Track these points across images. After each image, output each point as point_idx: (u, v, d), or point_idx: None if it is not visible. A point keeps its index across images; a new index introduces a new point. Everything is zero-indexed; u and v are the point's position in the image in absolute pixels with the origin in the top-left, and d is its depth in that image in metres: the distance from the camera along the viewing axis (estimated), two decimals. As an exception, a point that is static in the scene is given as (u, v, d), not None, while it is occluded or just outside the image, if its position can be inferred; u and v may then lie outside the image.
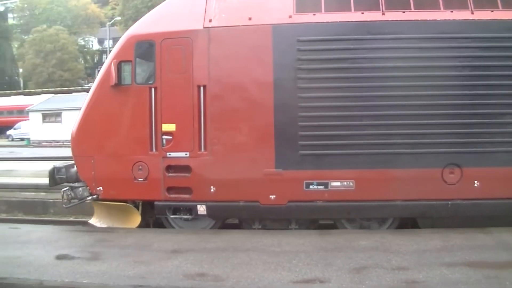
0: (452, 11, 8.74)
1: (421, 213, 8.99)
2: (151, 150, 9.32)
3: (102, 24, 76.17)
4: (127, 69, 9.42)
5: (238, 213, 9.44)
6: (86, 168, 9.64)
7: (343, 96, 8.86)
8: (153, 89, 9.27)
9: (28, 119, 48.99)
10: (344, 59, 8.85)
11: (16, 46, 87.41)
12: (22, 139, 49.25)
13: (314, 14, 8.98)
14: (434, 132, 8.72)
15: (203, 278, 6.65)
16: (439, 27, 8.70)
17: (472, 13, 8.72)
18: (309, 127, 8.88)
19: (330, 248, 7.89)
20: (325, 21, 8.92)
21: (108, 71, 9.45)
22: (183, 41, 9.19)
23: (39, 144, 43.52)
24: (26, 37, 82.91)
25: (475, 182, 8.67)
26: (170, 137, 9.24)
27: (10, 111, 60.38)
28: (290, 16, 9.00)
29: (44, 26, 77.71)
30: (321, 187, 8.91)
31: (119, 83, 9.39)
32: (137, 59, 9.42)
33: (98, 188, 9.60)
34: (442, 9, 8.77)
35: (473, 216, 8.89)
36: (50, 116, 45.26)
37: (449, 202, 8.73)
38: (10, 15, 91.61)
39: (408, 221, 9.38)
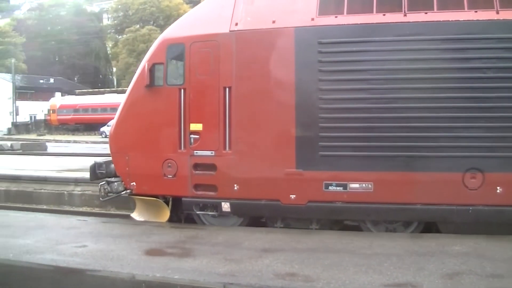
0: (476, 11, 8.48)
1: (441, 217, 8.79)
2: (180, 148, 9.74)
3: (194, 24, 78.12)
4: (159, 71, 9.90)
5: (260, 211, 9.65)
6: (121, 164, 10.24)
7: (362, 98, 8.85)
8: (182, 90, 9.68)
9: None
10: (364, 61, 8.84)
11: (110, 45, 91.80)
12: (114, 136, 51.23)
13: (336, 17, 9.02)
14: (455, 135, 8.50)
15: (293, 278, 6.55)
16: (462, 28, 8.47)
17: (498, 12, 8.40)
18: (329, 128, 8.93)
19: (422, 252, 7.67)
20: (346, 23, 8.93)
21: (142, 73, 9.99)
22: (210, 44, 9.53)
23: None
24: (120, 37, 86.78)
25: (498, 188, 8.36)
26: (197, 136, 9.62)
27: (104, 108, 63.32)
28: (312, 19, 9.09)
29: (137, 26, 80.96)
30: (340, 188, 8.93)
31: (152, 84, 9.89)
32: (169, 61, 9.88)
33: (131, 183, 10.16)
34: (466, 9, 8.52)
35: (497, 223, 8.60)
36: (142, 113, 46.65)
37: (470, 208, 8.47)
38: (104, 15, 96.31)
39: (433, 225, 9.20)
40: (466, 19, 8.49)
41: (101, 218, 11.30)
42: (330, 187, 8.97)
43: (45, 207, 14.98)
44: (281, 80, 9.19)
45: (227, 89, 9.42)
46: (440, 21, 8.57)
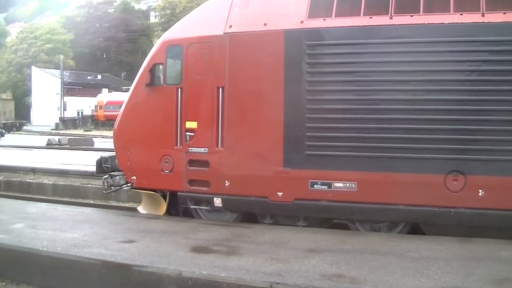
0: (461, 14, 8.50)
1: (424, 219, 8.87)
2: (176, 145, 10.19)
3: (242, 23, 78.69)
4: (159, 71, 10.40)
5: (250, 207, 9.95)
6: (123, 159, 10.80)
7: (348, 99, 9.05)
8: (179, 89, 10.13)
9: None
10: (350, 63, 9.02)
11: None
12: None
13: (324, 19, 9.22)
14: (438, 137, 8.57)
15: (340, 280, 6.48)
16: (448, 30, 8.52)
17: (483, 15, 8.41)
18: (315, 128, 9.16)
19: (470, 256, 7.55)
20: (333, 26, 9.12)
21: (144, 72, 10.51)
22: (206, 45, 9.92)
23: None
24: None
25: (480, 191, 8.38)
26: (192, 134, 10.05)
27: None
28: (302, 22, 9.31)
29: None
30: (324, 187, 9.14)
31: (152, 84, 10.39)
32: (168, 62, 10.34)
33: (132, 177, 10.69)
34: (451, 12, 8.56)
35: (480, 226, 8.61)
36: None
37: (452, 210, 8.53)
38: (152, 13, 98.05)
39: (419, 227, 9.27)
40: (451, 21, 8.53)
41: (147, 214, 11.40)
42: (315, 186, 9.20)
43: (91, 201, 15.45)
44: (270, 81, 9.46)
45: (220, 89, 9.79)
46: (425, 23, 8.65)
